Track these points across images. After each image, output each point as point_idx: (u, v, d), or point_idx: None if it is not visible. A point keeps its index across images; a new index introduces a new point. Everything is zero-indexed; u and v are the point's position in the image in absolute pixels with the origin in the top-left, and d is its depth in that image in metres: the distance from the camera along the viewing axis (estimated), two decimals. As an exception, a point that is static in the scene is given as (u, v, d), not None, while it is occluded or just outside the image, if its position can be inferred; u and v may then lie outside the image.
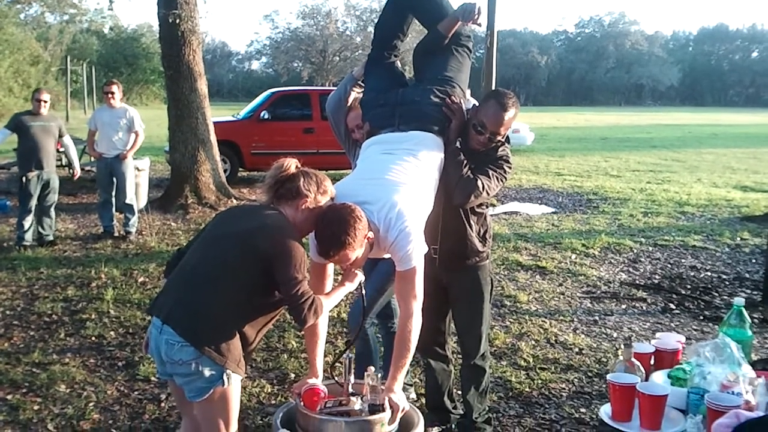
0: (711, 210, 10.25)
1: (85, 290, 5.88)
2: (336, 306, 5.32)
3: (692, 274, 6.78)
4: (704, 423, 2.17)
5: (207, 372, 2.39)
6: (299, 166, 2.64)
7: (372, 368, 2.77)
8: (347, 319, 3.91)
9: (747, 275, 6.75)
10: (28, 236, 7.26)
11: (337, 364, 2.84)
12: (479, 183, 2.99)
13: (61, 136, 7.40)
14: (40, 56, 39.50)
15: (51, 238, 7.47)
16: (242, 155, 12.30)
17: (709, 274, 6.80)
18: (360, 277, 2.76)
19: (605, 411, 2.37)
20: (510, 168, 3.18)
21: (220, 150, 10.58)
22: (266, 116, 12.56)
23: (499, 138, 3.10)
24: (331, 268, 2.84)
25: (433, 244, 3.08)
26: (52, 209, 7.47)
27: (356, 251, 2.55)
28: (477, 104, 3.24)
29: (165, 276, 2.72)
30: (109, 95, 7.61)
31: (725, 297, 6.01)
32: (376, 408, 2.57)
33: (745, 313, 2.64)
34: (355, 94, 3.59)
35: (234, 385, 2.47)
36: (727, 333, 2.60)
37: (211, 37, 76.45)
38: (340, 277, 2.75)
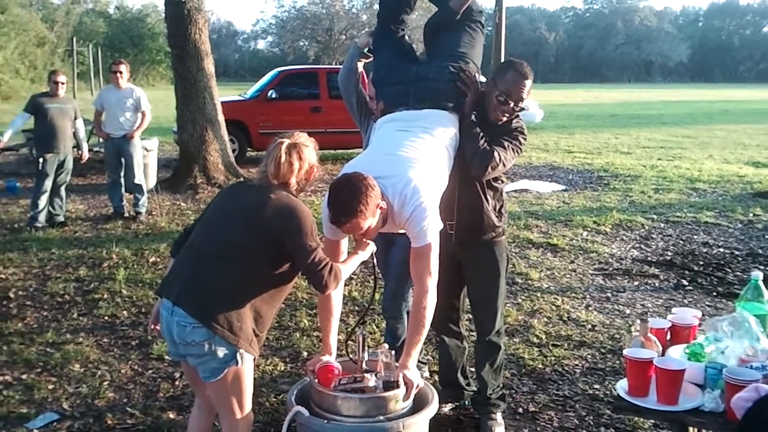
0: (723, 186, 10.17)
1: (97, 270, 5.90)
2: (347, 285, 5.35)
3: (705, 250, 6.74)
4: (722, 397, 2.16)
5: (220, 352, 2.38)
6: (294, 140, 2.59)
7: (386, 345, 2.77)
8: (382, 310, 3.91)
9: (760, 251, 6.70)
10: (41, 217, 7.29)
11: (350, 341, 2.83)
12: (496, 154, 2.98)
13: (75, 118, 7.41)
14: (46, 37, 39.41)
15: (62, 218, 7.49)
16: (250, 135, 12.27)
17: (721, 250, 6.75)
18: (372, 246, 2.75)
19: (621, 386, 2.35)
20: (525, 140, 3.17)
21: (228, 130, 10.54)
22: (274, 95, 12.49)
23: (521, 106, 3.07)
24: (344, 245, 2.82)
25: (449, 220, 3.07)
26: (63, 189, 7.50)
27: (368, 220, 2.52)
28: (487, 80, 3.21)
29: (172, 256, 2.71)
30: (118, 74, 7.59)
31: (738, 273, 5.97)
32: (390, 385, 2.57)
33: (763, 286, 2.62)
34: (362, 63, 3.56)
35: (247, 365, 2.46)
36: (745, 307, 2.58)
37: (216, 17, 76.23)
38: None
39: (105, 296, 5.26)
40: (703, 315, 2.80)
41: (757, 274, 2.65)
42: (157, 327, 2.63)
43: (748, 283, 2.65)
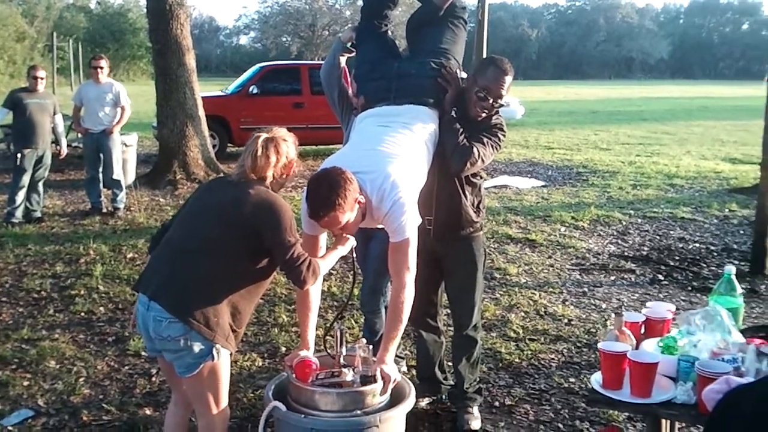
0: (700, 182, 10.28)
1: (74, 266, 5.85)
2: (326, 280, 5.35)
3: (680, 245, 6.82)
4: (695, 390, 2.18)
5: (196, 347, 2.38)
6: (271, 134, 2.59)
7: (363, 340, 2.78)
8: (360, 305, 3.92)
9: (735, 246, 6.79)
10: (18, 213, 7.21)
11: (328, 336, 2.83)
12: (475, 150, 3.00)
13: (54, 113, 7.34)
14: (26, 32, 38.88)
15: (39, 214, 7.42)
16: (231, 130, 12.20)
17: (697, 245, 6.83)
18: (351, 241, 2.75)
19: (596, 379, 2.37)
20: (504, 136, 3.19)
21: (209, 125, 10.49)
22: (255, 91, 12.44)
23: (501, 102, 3.09)
24: (323, 240, 2.82)
25: (428, 215, 3.08)
26: (41, 185, 7.43)
27: (346, 214, 2.52)
28: (469, 73, 3.23)
29: (149, 252, 2.70)
30: (98, 69, 7.53)
31: (713, 268, 6.05)
32: (367, 379, 2.57)
33: (735, 281, 2.65)
34: (345, 58, 3.56)
35: (224, 360, 2.46)
36: (718, 301, 2.61)
37: (198, 12, 75.56)
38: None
39: (81, 292, 5.22)
40: (677, 309, 2.84)
41: (730, 269, 2.68)
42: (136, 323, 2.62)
43: (721, 278, 2.69)
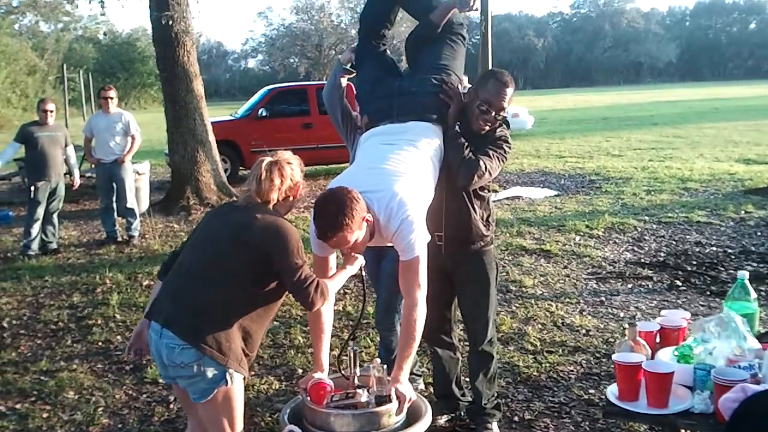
0: (714, 185, 10.20)
1: (91, 296, 5.89)
2: (341, 299, 5.35)
3: (697, 249, 6.75)
4: (712, 399, 2.16)
5: (209, 373, 2.38)
6: (275, 158, 2.61)
7: (378, 360, 2.77)
8: (375, 324, 3.93)
9: (753, 248, 6.72)
10: (35, 246, 7.29)
11: (343, 357, 2.83)
12: (481, 163, 3.00)
13: (66, 145, 7.43)
14: (36, 66, 39.53)
15: (54, 246, 7.49)
16: (242, 154, 12.29)
17: (714, 249, 6.77)
18: (360, 260, 2.76)
19: (612, 391, 2.35)
20: (510, 148, 3.19)
21: (220, 149, 10.58)
22: (264, 113, 12.54)
23: (503, 114, 3.10)
24: (333, 260, 2.83)
25: (438, 231, 3.08)
26: (56, 216, 7.51)
27: (355, 233, 2.53)
28: (471, 87, 3.24)
29: (159, 278, 2.72)
30: (108, 100, 7.62)
31: (731, 271, 5.98)
32: (382, 399, 2.56)
33: (749, 285, 2.63)
34: (346, 79, 3.59)
35: (237, 385, 2.46)
36: (732, 307, 2.59)
37: (206, 38, 76.37)
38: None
39: (99, 322, 5.25)
40: (696, 315, 2.82)
41: (744, 274, 2.66)
42: (135, 350, 2.69)
43: (735, 283, 2.66)
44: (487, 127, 3.12)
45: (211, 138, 10.05)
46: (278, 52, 50.21)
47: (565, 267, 6.29)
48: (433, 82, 3.13)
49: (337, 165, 12.13)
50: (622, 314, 5.06)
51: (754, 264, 6.15)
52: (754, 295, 2.64)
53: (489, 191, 3.34)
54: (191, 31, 9.87)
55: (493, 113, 3.08)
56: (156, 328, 2.46)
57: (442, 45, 3.28)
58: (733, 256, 6.48)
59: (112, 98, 7.66)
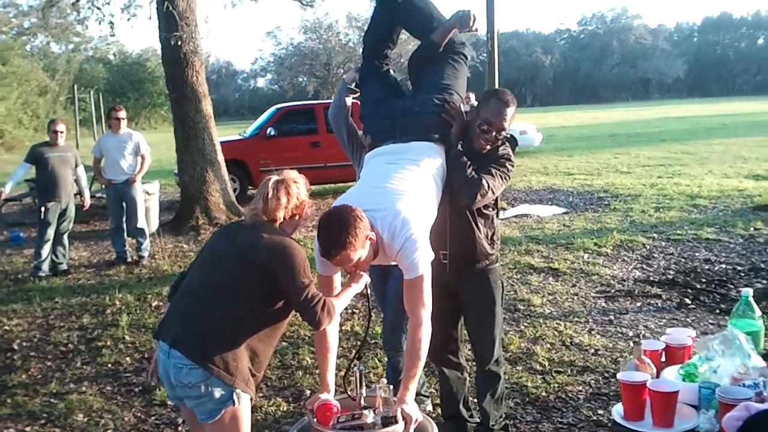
0: (723, 201, 10.17)
1: (100, 317, 5.93)
2: (349, 320, 5.36)
3: (706, 267, 6.73)
4: (717, 418, 2.15)
5: (217, 393, 2.40)
6: (282, 177, 2.65)
7: (384, 380, 2.77)
8: (383, 344, 3.94)
9: (762, 265, 6.68)
10: (45, 267, 7.35)
11: (349, 377, 2.84)
12: (484, 182, 3.02)
13: (76, 165, 7.51)
14: (47, 86, 39.95)
15: (65, 267, 7.54)
16: (251, 173, 12.37)
17: (723, 266, 6.74)
18: (366, 278, 2.77)
19: (617, 411, 2.35)
20: (513, 166, 3.21)
21: (229, 169, 10.65)
22: (272, 133, 12.63)
23: (504, 134, 3.13)
24: (338, 280, 2.85)
25: (442, 249, 3.10)
26: (66, 237, 7.57)
27: (358, 251, 2.55)
28: (475, 105, 3.27)
29: (169, 299, 2.75)
30: (118, 120, 7.70)
31: (741, 289, 5.91)
32: (388, 420, 2.56)
33: (754, 303, 2.62)
34: (351, 98, 3.63)
35: (244, 405, 2.48)
36: (736, 325, 2.59)
37: (215, 57, 76.92)
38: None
39: (108, 343, 5.28)
40: (704, 333, 2.81)
41: (748, 291, 2.66)
42: (157, 375, 2.66)
43: (739, 300, 2.66)
44: (489, 147, 3.14)
45: (220, 158, 10.13)
46: (287, 71, 50.50)
47: (574, 285, 6.28)
48: (435, 102, 3.16)
49: (344, 184, 12.17)
50: (630, 333, 5.04)
51: (764, 281, 6.12)
52: (758, 312, 2.64)
53: (493, 209, 3.35)
54: (200, 52, 9.99)
55: (494, 133, 3.10)
56: (164, 348, 2.48)
57: (444, 65, 3.32)
58: (742, 274, 6.45)
59: (122, 118, 7.75)
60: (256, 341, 2.49)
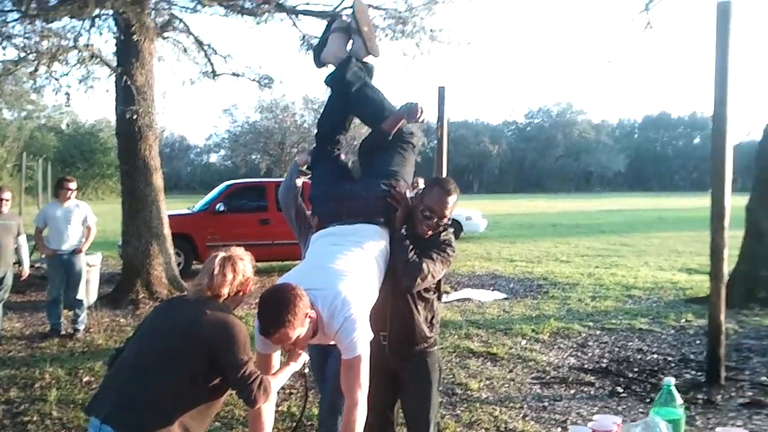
0: (657, 293, 10.53)
1: (28, 391, 5.73)
2: (285, 400, 5.31)
3: (639, 356, 6.92)
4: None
5: (146, 470, 2.38)
6: (228, 253, 2.73)
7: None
8: (318, 425, 3.91)
9: (692, 356, 6.90)
10: (-25, 336, 7.10)
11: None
12: (425, 266, 3.13)
13: (18, 234, 7.38)
14: (-4, 153, 39.22)
15: (-4, 337, 7.30)
16: (197, 248, 12.29)
17: (655, 356, 6.94)
18: (304, 356, 2.82)
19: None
20: (453, 251, 3.33)
21: (175, 243, 10.59)
22: (222, 208, 12.66)
23: (445, 221, 3.27)
24: (277, 359, 2.88)
25: (383, 331, 3.17)
26: (1, 306, 7.35)
27: (297, 330, 2.60)
28: (414, 195, 3.42)
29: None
30: (69, 192, 7.64)
31: (665, 378, 6.11)
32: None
33: (675, 392, 2.75)
34: (302, 180, 3.76)
35: (175, 483, 2.46)
36: (659, 413, 2.69)
37: (170, 131, 76.94)
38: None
39: (34, 418, 5.10)
40: (631, 421, 2.91)
41: (670, 380, 2.79)
42: None
43: (662, 389, 2.79)
44: (431, 232, 3.29)
45: (167, 231, 10.08)
46: (241, 147, 50.76)
47: (511, 371, 6.38)
48: (382, 188, 3.31)
49: (291, 262, 12.18)
50: (563, 420, 5.13)
51: (693, 372, 6.32)
52: (680, 401, 2.75)
53: (434, 293, 3.46)
54: (155, 126, 10.08)
55: (436, 219, 3.25)
56: (95, 424, 2.47)
57: (392, 152, 3.48)
58: (673, 364, 6.65)
59: (73, 189, 7.70)
60: (188, 419, 2.49)
